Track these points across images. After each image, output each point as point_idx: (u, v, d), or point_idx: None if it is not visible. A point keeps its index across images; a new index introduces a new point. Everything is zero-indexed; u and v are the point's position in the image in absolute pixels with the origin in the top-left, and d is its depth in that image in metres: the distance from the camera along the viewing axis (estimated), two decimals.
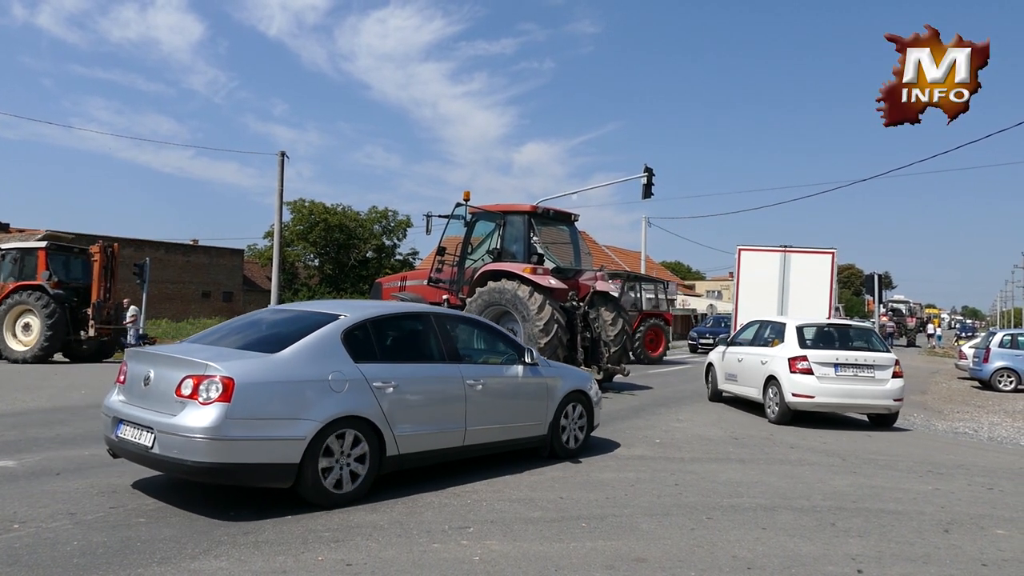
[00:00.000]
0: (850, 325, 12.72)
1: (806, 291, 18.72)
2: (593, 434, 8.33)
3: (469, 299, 13.73)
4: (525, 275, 13.11)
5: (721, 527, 5.35)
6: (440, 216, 15.07)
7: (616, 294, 15.85)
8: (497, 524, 5.19)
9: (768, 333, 12.48)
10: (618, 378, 14.98)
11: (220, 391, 5.05)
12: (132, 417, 5.43)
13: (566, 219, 15.35)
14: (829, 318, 17.25)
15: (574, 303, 13.65)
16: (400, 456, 5.98)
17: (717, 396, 13.69)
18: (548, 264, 14.33)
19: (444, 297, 14.59)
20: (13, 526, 4.73)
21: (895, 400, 11.17)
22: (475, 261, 14.72)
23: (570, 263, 15.05)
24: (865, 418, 12.01)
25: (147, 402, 5.43)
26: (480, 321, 7.91)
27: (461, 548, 4.65)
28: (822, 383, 10.77)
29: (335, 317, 6.10)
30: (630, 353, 17.48)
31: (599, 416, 8.28)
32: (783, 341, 11.57)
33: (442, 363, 6.59)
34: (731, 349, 13.37)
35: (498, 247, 14.29)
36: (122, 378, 5.84)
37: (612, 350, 14.16)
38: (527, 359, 7.32)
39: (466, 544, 4.73)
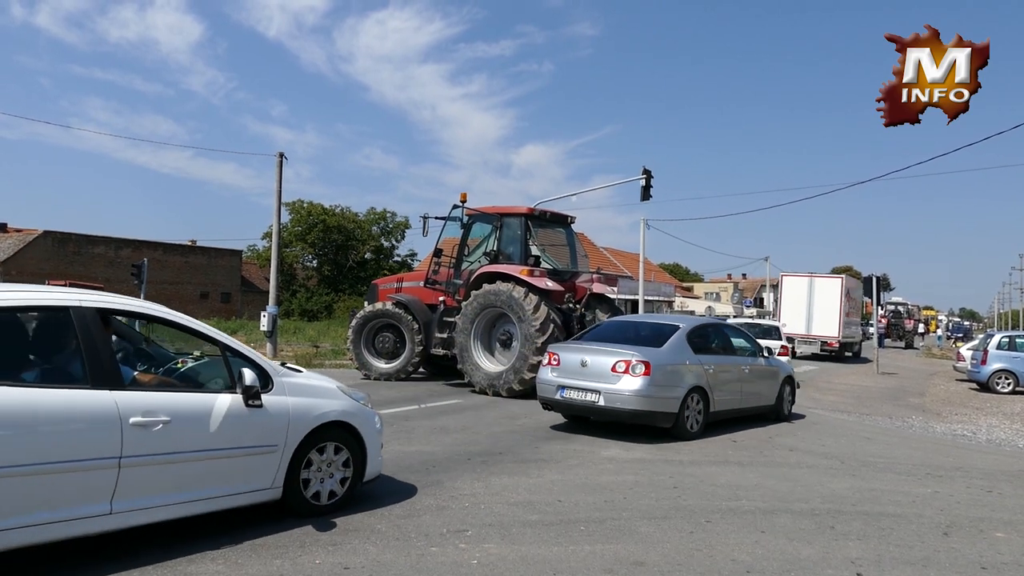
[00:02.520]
0: (759, 324, 18.39)
1: (825, 304, 27.06)
2: (588, 437, 8.90)
3: (465, 301, 13.69)
4: (521, 277, 13.07)
5: (720, 530, 5.33)
6: (437, 218, 15.02)
7: (613, 296, 15.84)
8: (495, 527, 5.17)
9: None
10: None
11: (643, 369, 8.57)
12: (576, 385, 8.93)
13: (563, 221, 15.30)
14: (839, 323, 26.99)
15: (570, 305, 13.62)
16: (715, 412, 9.53)
17: None
18: (544, 266, 14.29)
19: (441, 299, 14.54)
20: None
21: None
22: (472, 263, 14.66)
23: (567, 265, 14.97)
24: (863, 420, 12.50)
25: (587, 377, 8.85)
26: (738, 328, 11.87)
27: (459, 551, 4.63)
28: None
29: (678, 326, 9.67)
30: None
31: (797, 395, 11.92)
32: None
33: (728, 355, 10.22)
34: None
35: (495, 249, 14.24)
36: (555, 362, 9.26)
37: None
38: (764, 353, 10.97)
39: (464, 547, 4.71)
